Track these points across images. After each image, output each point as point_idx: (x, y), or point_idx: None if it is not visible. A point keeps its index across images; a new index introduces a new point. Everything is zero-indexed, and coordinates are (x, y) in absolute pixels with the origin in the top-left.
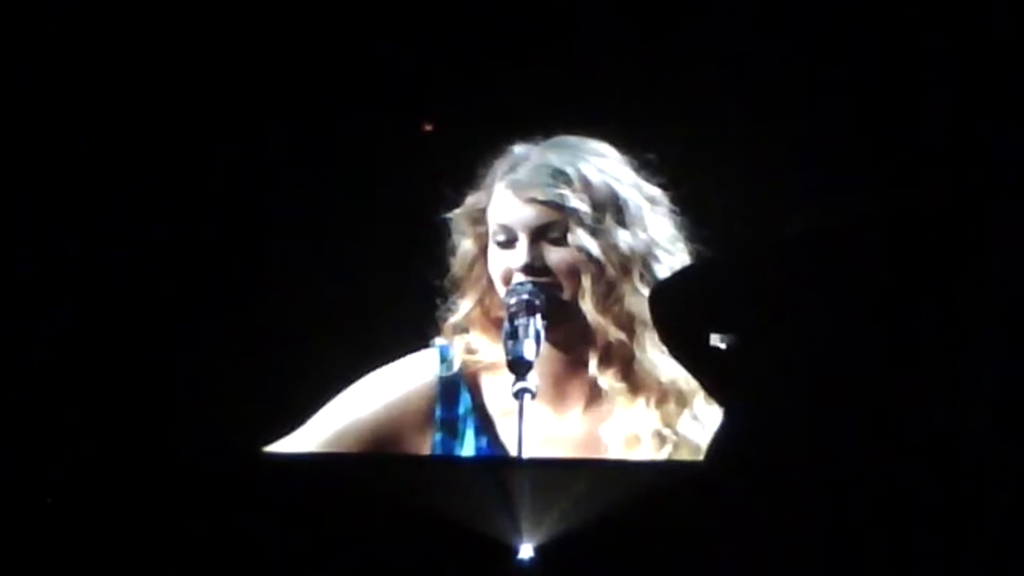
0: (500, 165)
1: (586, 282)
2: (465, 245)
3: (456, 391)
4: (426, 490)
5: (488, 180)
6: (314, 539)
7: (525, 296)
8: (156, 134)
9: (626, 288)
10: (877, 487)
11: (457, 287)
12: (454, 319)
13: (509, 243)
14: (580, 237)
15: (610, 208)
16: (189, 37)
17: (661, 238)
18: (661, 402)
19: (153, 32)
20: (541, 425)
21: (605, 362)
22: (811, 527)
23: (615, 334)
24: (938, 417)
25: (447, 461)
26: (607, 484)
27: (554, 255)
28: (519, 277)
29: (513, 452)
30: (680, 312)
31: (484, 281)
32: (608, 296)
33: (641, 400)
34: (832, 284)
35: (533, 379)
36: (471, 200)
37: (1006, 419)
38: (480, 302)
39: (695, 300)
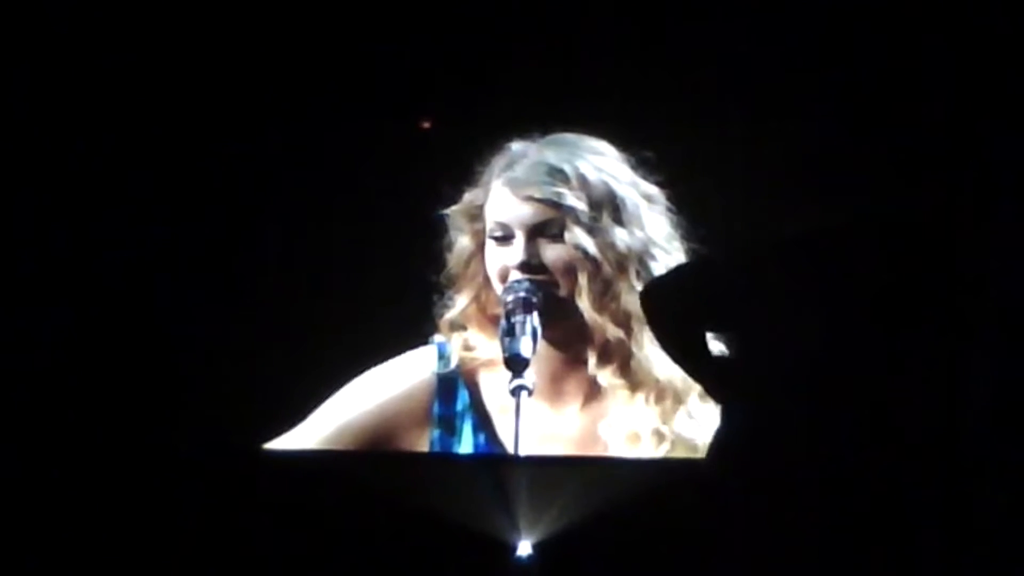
0: (498, 162)
1: (582, 280)
2: (462, 242)
3: (454, 388)
4: (424, 487)
5: (486, 177)
6: (313, 535)
7: (522, 294)
8: (156, 133)
9: (623, 286)
10: (876, 486)
11: (454, 283)
12: (451, 315)
13: (506, 240)
14: (577, 235)
15: (607, 206)
16: (188, 36)
17: (658, 236)
18: (659, 399)
19: (153, 32)
20: (539, 422)
21: (603, 359)
22: (809, 525)
23: (612, 331)
24: (938, 417)
25: (445, 458)
26: (605, 481)
27: (551, 253)
28: (516, 274)
29: (511, 449)
30: (674, 311)
31: (481, 278)
32: (605, 294)
33: (640, 397)
34: (832, 284)
35: (530, 376)
36: (469, 197)
37: (1006, 419)
38: (477, 299)
39: (689, 299)
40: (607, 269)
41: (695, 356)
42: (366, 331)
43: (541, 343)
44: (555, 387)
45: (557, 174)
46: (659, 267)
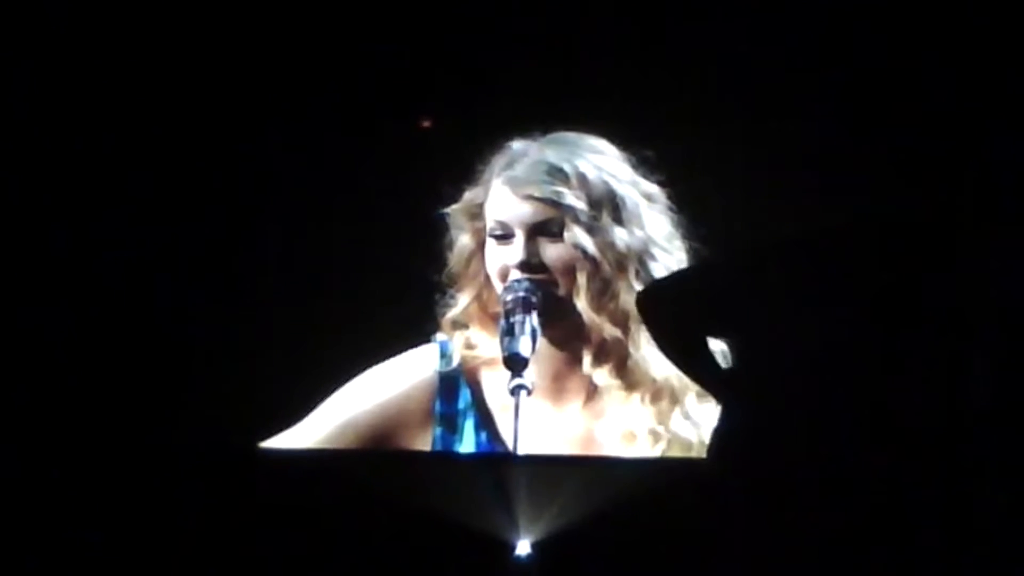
0: (498, 161)
1: (582, 279)
2: (463, 240)
3: (455, 386)
4: (424, 486)
5: (486, 176)
6: (313, 534)
7: (521, 293)
8: (156, 134)
9: (622, 285)
10: (876, 486)
11: (455, 282)
12: (453, 314)
13: (506, 239)
14: (576, 234)
15: (607, 205)
16: (188, 36)
17: (658, 236)
18: (655, 399)
19: (153, 32)
20: (540, 421)
21: (600, 359)
22: (809, 525)
23: (610, 331)
24: (938, 417)
25: (445, 457)
26: (605, 480)
27: (550, 252)
28: (515, 273)
29: (513, 447)
30: (672, 315)
31: (481, 277)
32: (604, 293)
33: (636, 397)
34: (832, 284)
35: (530, 375)
36: (469, 196)
37: (1006, 419)
38: (478, 297)
39: (687, 303)
40: (606, 268)
41: (695, 359)
42: (367, 330)
43: (541, 342)
44: (556, 386)
45: (557, 173)
46: (659, 266)
